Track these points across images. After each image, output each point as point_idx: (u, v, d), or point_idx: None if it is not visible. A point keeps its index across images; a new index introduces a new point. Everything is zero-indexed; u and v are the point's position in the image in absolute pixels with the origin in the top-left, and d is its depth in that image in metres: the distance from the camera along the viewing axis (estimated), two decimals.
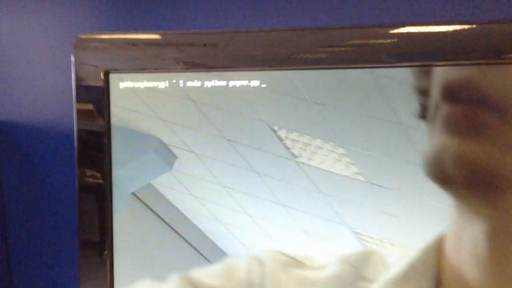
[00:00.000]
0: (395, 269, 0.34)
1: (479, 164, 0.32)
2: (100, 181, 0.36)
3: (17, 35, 0.58)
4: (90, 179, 0.37)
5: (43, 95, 0.58)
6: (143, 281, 0.37)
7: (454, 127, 0.32)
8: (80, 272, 0.38)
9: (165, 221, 0.37)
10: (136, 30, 0.51)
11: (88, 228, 0.37)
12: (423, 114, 0.33)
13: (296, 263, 0.35)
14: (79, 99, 0.36)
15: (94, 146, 0.36)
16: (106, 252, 0.37)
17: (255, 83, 0.35)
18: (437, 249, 0.34)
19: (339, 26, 0.34)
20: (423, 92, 0.32)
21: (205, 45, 0.35)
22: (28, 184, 0.60)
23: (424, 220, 0.33)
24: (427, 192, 0.33)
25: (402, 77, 0.33)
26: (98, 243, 0.37)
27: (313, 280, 0.35)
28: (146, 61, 0.36)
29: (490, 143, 0.32)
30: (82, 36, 0.37)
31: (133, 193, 0.37)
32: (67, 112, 0.57)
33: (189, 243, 0.37)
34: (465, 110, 0.32)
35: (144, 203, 0.37)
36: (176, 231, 0.37)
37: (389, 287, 0.34)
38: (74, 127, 0.36)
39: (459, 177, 0.32)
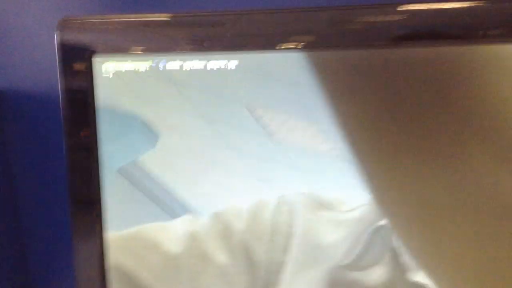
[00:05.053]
0: None
1: None
2: (89, 157, 0.39)
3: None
4: (79, 156, 0.39)
5: (44, 62, 0.57)
6: None
7: None
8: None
9: (148, 197, 0.40)
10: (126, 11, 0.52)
11: (80, 196, 0.40)
12: None
13: (326, 205, 0.35)
14: (64, 81, 0.38)
15: (81, 126, 0.38)
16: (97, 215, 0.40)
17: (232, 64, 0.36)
18: None
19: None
20: None
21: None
22: (34, 151, 0.60)
23: None
24: None
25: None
26: (89, 211, 0.40)
27: (339, 221, 0.35)
28: (128, 44, 0.37)
29: None
30: (66, 19, 0.38)
31: (119, 170, 0.40)
32: None
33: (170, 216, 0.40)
34: None
35: (128, 179, 0.40)
36: (159, 206, 0.40)
37: None
38: (61, 110, 0.38)
39: None
